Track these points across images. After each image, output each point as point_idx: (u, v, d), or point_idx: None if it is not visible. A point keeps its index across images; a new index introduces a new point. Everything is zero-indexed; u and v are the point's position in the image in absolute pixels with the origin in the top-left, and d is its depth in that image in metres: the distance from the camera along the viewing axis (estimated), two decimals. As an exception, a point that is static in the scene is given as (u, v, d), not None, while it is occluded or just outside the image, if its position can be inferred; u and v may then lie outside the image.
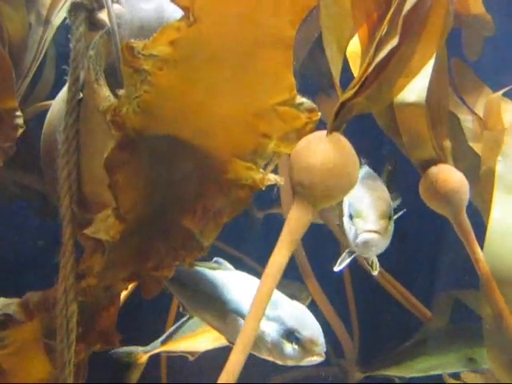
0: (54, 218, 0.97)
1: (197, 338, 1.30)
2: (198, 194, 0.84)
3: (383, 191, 1.12)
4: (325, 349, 1.02)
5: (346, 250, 1.13)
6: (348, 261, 1.12)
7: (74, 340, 0.84)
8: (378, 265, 1.15)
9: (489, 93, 1.30)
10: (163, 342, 1.30)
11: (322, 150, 0.73)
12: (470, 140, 1.26)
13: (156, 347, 1.31)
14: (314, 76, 1.32)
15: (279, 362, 1.05)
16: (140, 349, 1.31)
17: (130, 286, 1.32)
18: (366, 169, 1.21)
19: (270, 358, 1.05)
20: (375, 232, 1.03)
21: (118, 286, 0.98)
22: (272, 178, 0.79)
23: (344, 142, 0.75)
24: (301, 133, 0.78)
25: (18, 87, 1.10)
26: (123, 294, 1.32)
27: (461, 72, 1.34)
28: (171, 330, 1.30)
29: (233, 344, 1.10)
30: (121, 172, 0.81)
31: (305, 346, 1.00)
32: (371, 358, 1.81)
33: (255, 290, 1.06)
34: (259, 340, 1.02)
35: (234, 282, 1.08)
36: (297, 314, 1.04)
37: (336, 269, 1.13)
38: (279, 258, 0.72)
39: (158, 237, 0.89)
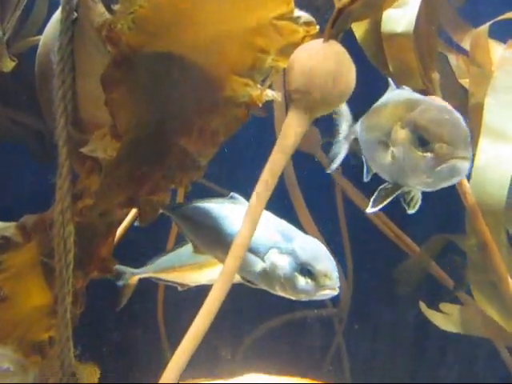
0: (51, 160, 0.95)
1: (188, 271, 1.30)
2: (195, 114, 0.83)
3: (455, 112, 0.97)
4: (338, 283, 0.99)
5: (384, 186, 1.01)
6: (389, 199, 0.99)
7: (72, 260, 0.83)
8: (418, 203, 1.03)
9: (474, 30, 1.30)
10: (154, 268, 1.30)
11: (320, 56, 0.72)
12: (459, 77, 1.26)
13: (146, 271, 1.31)
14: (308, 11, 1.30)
15: (292, 297, 1.01)
16: (130, 270, 1.31)
17: (128, 220, 1.34)
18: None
19: (283, 294, 1.02)
20: (466, 159, 0.89)
21: (114, 212, 0.97)
22: (270, 93, 0.78)
23: (341, 49, 0.74)
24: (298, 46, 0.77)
25: (7, 21, 1.08)
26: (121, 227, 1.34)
27: (446, 13, 1.34)
28: (162, 255, 1.30)
29: (245, 281, 1.10)
30: (117, 89, 0.79)
31: (318, 279, 0.97)
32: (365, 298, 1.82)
33: (270, 225, 1.07)
34: (272, 274, 1.00)
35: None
36: (311, 248, 1.01)
37: (370, 210, 1.00)
38: (274, 165, 0.71)
39: (154, 159, 0.88)
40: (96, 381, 1.01)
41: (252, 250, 1.02)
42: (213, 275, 1.30)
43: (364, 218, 1.54)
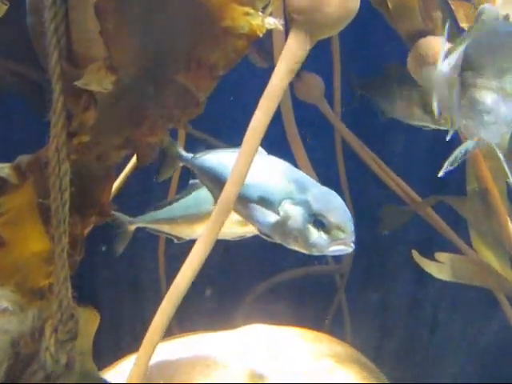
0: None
1: (184, 224, 1.28)
2: (193, 47, 0.79)
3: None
4: (353, 238, 0.95)
5: (465, 145, 0.94)
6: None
7: (68, 199, 0.80)
8: None
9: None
10: (151, 219, 1.29)
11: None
12: (461, 22, 1.21)
13: (143, 221, 1.29)
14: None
15: (305, 251, 0.98)
16: (128, 219, 1.29)
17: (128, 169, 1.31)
18: None
19: (297, 247, 0.98)
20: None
21: (111, 155, 0.94)
22: (271, 21, 0.74)
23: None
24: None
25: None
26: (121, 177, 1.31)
27: None
28: (160, 206, 1.29)
29: (262, 234, 1.06)
30: (112, 19, 0.75)
31: (331, 232, 0.93)
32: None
33: (285, 175, 1.03)
34: (285, 226, 0.96)
35: (263, 168, 1.01)
36: (325, 199, 0.97)
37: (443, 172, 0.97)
38: (272, 90, 0.67)
39: (151, 97, 0.84)
40: (96, 326, 0.99)
41: (266, 201, 0.99)
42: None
43: (363, 167, 1.52)
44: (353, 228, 0.94)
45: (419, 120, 1.36)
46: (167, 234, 1.32)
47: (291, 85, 1.49)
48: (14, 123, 1.59)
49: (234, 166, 0.84)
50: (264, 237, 1.04)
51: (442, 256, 1.25)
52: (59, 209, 0.79)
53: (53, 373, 0.82)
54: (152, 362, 1.25)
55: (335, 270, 1.94)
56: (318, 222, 0.94)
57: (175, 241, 1.34)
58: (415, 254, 1.23)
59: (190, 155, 1.14)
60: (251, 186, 1.00)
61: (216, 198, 1.09)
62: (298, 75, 1.50)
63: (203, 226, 1.33)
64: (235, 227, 1.26)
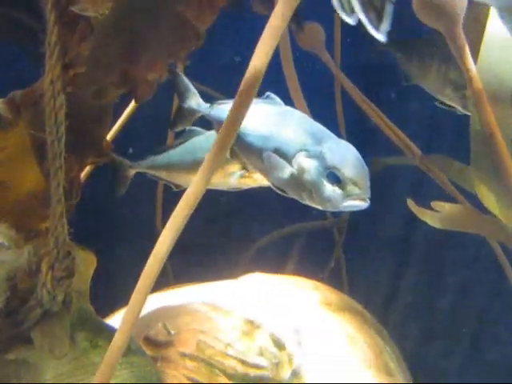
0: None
1: (182, 172, 1.27)
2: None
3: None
4: (369, 194, 0.90)
5: None
6: None
7: (64, 133, 0.78)
8: None
9: None
10: (150, 164, 1.27)
11: None
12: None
13: (143, 166, 1.28)
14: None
15: (319, 207, 0.94)
16: (127, 163, 1.28)
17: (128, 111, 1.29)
18: None
19: (311, 203, 0.94)
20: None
21: (108, 92, 0.92)
22: None
23: None
24: None
25: None
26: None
27: None
28: (160, 152, 1.27)
29: (276, 189, 1.04)
30: None
31: (346, 187, 0.89)
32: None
33: (302, 126, 1.00)
34: (299, 179, 0.92)
35: (278, 119, 0.98)
36: (341, 152, 0.92)
37: None
38: (272, 29, 0.65)
39: (150, 29, 0.82)
40: (93, 269, 0.98)
41: (280, 153, 0.95)
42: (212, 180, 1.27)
43: (363, 116, 1.50)
44: (369, 183, 0.90)
45: (448, 99, 1.31)
46: (165, 180, 1.31)
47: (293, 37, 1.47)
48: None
49: (230, 111, 0.80)
50: (278, 191, 1.01)
51: (437, 205, 1.23)
52: (55, 143, 0.76)
53: (50, 310, 0.82)
54: (149, 309, 1.25)
55: (333, 224, 1.93)
56: (333, 175, 0.90)
57: (174, 188, 1.33)
58: (410, 202, 1.22)
59: (207, 105, 1.11)
60: (265, 137, 0.97)
61: (231, 152, 1.06)
62: (300, 25, 1.48)
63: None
64: (231, 178, 1.24)
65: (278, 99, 1.04)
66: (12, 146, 0.92)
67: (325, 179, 0.90)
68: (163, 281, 1.34)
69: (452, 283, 1.82)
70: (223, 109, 1.05)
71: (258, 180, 1.25)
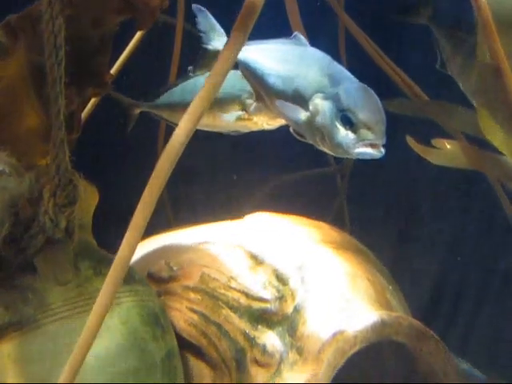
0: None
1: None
2: None
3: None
4: (384, 141, 0.86)
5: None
6: None
7: (63, 58, 0.77)
8: None
9: None
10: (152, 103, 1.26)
11: None
12: None
13: (146, 105, 1.27)
14: None
15: (332, 153, 0.92)
16: (131, 101, 1.27)
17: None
18: None
19: (324, 148, 0.92)
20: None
21: (108, 20, 0.90)
22: None
23: None
24: None
25: None
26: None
27: None
28: (164, 91, 1.25)
29: (295, 133, 1.01)
30: None
31: (359, 131, 0.85)
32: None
33: (321, 67, 0.94)
34: (313, 122, 0.90)
35: (297, 59, 0.95)
36: (358, 95, 0.88)
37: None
38: None
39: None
40: (95, 203, 0.98)
41: (297, 95, 0.92)
42: (209, 121, 1.26)
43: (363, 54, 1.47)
44: (384, 130, 0.86)
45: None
46: (167, 120, 1.29)
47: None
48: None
49: (223, 49, 0.77)
50: (297, 136, 0.99)
51: (439, 142, 1.22)
52: (55, 67, 0.75)
53: (52, 237, 0.81)
54: (151, 250, 1.26)
55: (336, 171, 1.92)
56: (346, 118, 0.86)
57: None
58: (409, 139, 1.20)
59: None
60: (284, 78, 0.95)
61: (256, 92, 1.04)
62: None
63: (208, 114, 1.32)
64: (229, 118, 1.23)
65: (303, 40, 1.00)
66: (10, 77, 0.91)
67: (338, 122, 0.88)
68: (165, 226, 1.35)
69: (459, 227, 1.81)
70: (248, 50, 1.02)
71: (259, 123, 1.24)
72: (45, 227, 0.79)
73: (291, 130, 0.99)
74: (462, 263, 1.79)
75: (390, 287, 1.26)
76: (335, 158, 1.90)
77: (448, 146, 1.19)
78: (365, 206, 1.93)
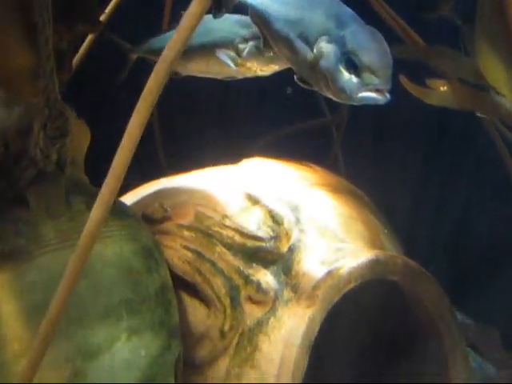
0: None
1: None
2: None
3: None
4: (389, 86, 0.83)
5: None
6: None
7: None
8: None
9: None
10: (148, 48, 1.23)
11: None
12: None
13: (142, 50, 1.24)
14: None
15: (335, 98, 0.89)
16: (128, 46, 1.25)
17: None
18: None
19: (328, 93, 0.89)
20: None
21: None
22: None
23: None
24: None
25: None
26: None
27: None
28: (158, 35, 1.23)
29: (300, 81, 0.99)
30: None
31: (363, 75, 0.82)
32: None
33: (327, 9, 0.88)
34: (316, 66, 0.87)
35: (308, 2, 0.90)
36: (363, 37, 0.83)
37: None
38: None
39: None
40: (87, 142, 0.96)
41: (303, 38, 0.89)
42: (203, 66, 1.24)
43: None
44: (390, 75, 0.82)
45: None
46: None
47: None
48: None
49: None
50: (301, 84, 0.97)
51: (434, 83, 1.20)
52: (41, -5, 0.73)
53: (44, 170, 0.80)
54: (145, 193, 1.24)
55: (331, 121, 1.90)
56: (350, 61, 0.83)
57: (172, 76, 1.30)
58: (403, 79, 1.17)
59: None
60: (292, 22, 0.91)
61: (265, 42, 1.01)
62: None
63: (194, 61, 1.30)
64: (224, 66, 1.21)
65: None
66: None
67: (342, 66, 0.84)
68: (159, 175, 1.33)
69: (455, 169, 1.80)
70: None
71: (253, 69, 1.22)
72: (36, 159, 0.77)
73: (295, 78, 0.97)
74: (457, 204, 1.79)
75: (386, 231, 1.26)
76: (330, 109, 1.89)
77: (443, 87, 1.17)
78: (360, 157, 1.91)
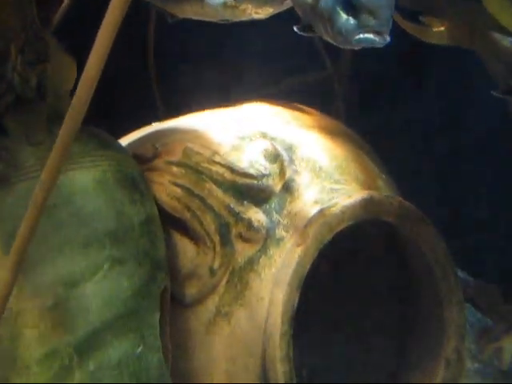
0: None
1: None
2: None
3: None
4: (388, 28, 0.79)
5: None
6: None
7: None
8: None
9: None
10: None
11: None
12: None
13: None
14: None
15: (333, 41, 0.86)
16: None
17: None
18: None
19: (326, 37, 0.86)
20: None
21: None
22: None
23: None
24: None
25: None
26: None
27: None
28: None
29: (299, 30, 0.94)
30: None
31: (360, 16, 0.78)
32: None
33: None
34: (317, 7, 0.83)
35: None
36: None
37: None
38: None
39: None
40: (73, 75, 0.92)
41: None
42: (197, 8, 1.19)
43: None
44: (389, 16, 0.79)
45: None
46: (161, 8, 1.23)
47: None
48: None
49: None
50: (302, 33, 0.94)
51: (430, 20, 1.15)
52: None
53: (23, 96, 0.77)
54: (138, 135, 1.21)
55: (332, 74, 1.85)
56: (349, 2, 0.79)
57: (169, 20, 1.26)
58: (397, 17, 1.12)
59: None
60: None
61: None
62: None
63: (189, 3, 1.26)
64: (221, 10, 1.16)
65: None
66: None
67: (339, 7, 0.81)
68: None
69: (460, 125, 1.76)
70: None
71: (247, 11, 1.18)
72: (14, 84, 0.74)
73: (296, 28, 0.94)
74: (461, 156, 1.75)
75: (384, 176, 1.22)
76: (332, 61, 1.84)
77: (439, 24, 1.13)
78: (362, 110, 1.87)
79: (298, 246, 0.93)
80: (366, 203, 0.98)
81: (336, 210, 0.96)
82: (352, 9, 0.80)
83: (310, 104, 1.97)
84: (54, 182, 0.60)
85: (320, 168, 1.08)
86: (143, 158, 1.03)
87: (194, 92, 1.80)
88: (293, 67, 1.84)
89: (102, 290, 0.72)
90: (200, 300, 0.93)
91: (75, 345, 0.70)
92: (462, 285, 1.57)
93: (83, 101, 0.63)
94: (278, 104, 1.28)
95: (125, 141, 1.22)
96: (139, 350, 0.73)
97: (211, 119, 1.16)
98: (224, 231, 0.94)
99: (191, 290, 0.93)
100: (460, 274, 1.87)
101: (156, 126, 1.24)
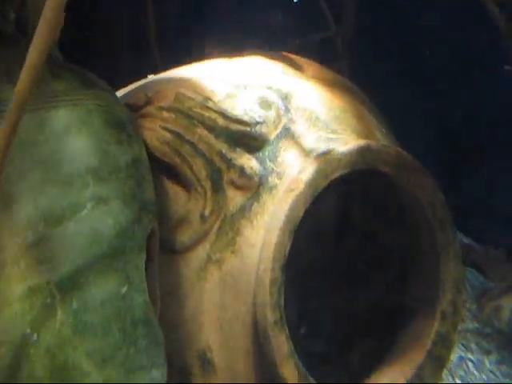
0: None
1: None
2: None
3: None
4: None
5: None
6: None
7: None
8: None
9: None
10: None
11: None
12: None
13: None
14: None
15: None
16: None
17: None
18: None
19: None
20: None
21: None
22: None
23: None
24: None
25: None
26: None
27: None
28: None
29: None
30: None
31: None
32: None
33: None
34: None
35: None
36: None
37: None
38: None
39: None
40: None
41: None
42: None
43: None
44: None
45: None
46: None
47: None
48: None
49: None
50: None
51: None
52: None
53: (2, 32, 0.74)
54: (133, 87, 1.18)
55: (336, 33, 1.81)
56: None
57: None
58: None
59: None
60: None
61: None
62: None
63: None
64: None
65: None
66: None
67: None
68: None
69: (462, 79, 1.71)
70: None
71: None
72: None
73: None
74: (463, 108, 1.70)
75: (384, 130, 1.18)
76: (336, 21, 1.79)
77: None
78: (366, 70, 1.82)
79: (291, 191, 0.89)
80: (363, 151, 0.95)
81: (332, 156, 0.92)
82: None
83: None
84: (23, 107, 0.57)
85: (317, 118, 1.04)
86: (135, 106, 1.00)
87: (194, 49, 1.77)
88: (297, 27, 1.80)
89: (85, 228, 0.69)
90: (191, 247, 0.91)
91: (57, 283, 0.67)
92: (465, 249, 1.54)
93: (52, 20, 0.60)
94: (278, 55, 1.24)
95: (120, 93, 1.19)
96: (124, 290, 0.71)
97: (207, 69, 1.12)
98: (216, 177, 0.91)
99: (182, 237, 0.91)
100: (465, 239, 1.84)
101: (150, 77, 1.21)
